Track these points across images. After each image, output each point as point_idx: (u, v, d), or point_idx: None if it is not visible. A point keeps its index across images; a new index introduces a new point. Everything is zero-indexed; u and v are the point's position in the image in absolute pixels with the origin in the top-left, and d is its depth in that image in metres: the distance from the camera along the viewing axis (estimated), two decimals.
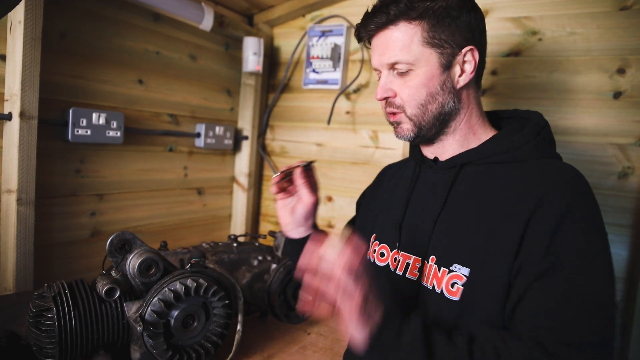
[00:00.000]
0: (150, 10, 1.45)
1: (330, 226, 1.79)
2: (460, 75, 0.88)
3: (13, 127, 1.10)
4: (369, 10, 0.90)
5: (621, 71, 1.30)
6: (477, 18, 0.89)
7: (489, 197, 0.85)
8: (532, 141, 0.88)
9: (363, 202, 1.19)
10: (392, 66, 0.89)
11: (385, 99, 0.92)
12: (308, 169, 1.00)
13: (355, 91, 1.72)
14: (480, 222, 0.84)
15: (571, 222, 0.76)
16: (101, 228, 1.41)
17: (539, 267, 0.76)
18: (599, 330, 0.73)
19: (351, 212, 1.23)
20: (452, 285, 0.83)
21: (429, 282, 0.88)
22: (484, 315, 0.80)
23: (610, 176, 1.32)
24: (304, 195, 0.99)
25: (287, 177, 0.99)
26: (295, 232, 1.04)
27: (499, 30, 1.45)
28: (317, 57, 1.70)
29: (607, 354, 0.73)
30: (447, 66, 0.87)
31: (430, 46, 0.86)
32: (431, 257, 0.89)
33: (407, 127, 0.92)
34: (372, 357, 0.75)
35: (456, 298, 0.82)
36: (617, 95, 1.31)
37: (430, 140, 0.94)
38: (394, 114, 0.92)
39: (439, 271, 0.86)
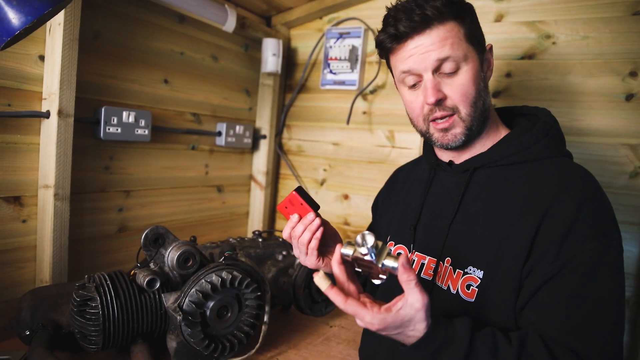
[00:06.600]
0: (175, 12, 1.49)
1: (347, 223, 1.83)
2: (487, 72, 0.91)
3: (51, 125, 1.14)
4: (398, 11, 0.85)
5: (633, 74, 1.34)
6: None
7: (501, 199, 0.87)
8: (542, 140, 0.88)
9: (379, 204, 1.21)
10: (439, 66, 0.84)
11: (439, 101, 0.86)
12: None
13: (372, 92, 1.76)
14: (493, 225, 0.85)
15: (581, 226, 0.77)
16: (127, 224, 1.45)
17: (549, 270, 0.77)
18: (603, 339, 0.74)
19: (367, 209, 1.26)
20: (468, 287, 0.85)
21: (444, 283, 0.89)
22: (498, 316, 0.82)
23: (622, 175, 1.36)
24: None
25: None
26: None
27: (513, 34, 1.50)
28: (335, 59, 1.75)
29: None
30: (482, 63, 0.89)
31: (471, 43, 0.86)
32: (447, 258, 0.90)
33: (458, 131, 0.88)
34: (422, 354, 0.72)
35: (471, 299, 0.84)
36: (629, 97, 1.35)
37: (470, 142, 0.92)
38: (445, 118, 0.88)
39: (454, 273, 0.88)
